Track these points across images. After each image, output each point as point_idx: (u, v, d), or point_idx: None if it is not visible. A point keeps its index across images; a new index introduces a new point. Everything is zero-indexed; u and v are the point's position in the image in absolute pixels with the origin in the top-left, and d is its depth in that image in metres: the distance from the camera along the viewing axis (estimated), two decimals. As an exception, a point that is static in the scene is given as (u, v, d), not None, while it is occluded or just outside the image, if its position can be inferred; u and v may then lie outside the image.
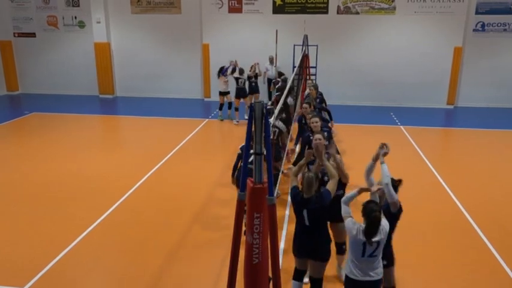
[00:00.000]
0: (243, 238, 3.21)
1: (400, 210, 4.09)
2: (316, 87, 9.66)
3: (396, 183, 4.13)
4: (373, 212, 3.64)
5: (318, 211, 4.10)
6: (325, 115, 8.82)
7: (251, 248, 3.13)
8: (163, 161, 9.55)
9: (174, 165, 9.39)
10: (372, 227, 3.66)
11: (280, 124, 7.86)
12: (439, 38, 15.28)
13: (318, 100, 9.23)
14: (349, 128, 12.40)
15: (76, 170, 8.94)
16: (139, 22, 16.71)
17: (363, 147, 10.04)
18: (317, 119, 6.47)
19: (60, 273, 5.35)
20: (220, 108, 13.33)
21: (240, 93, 13.04)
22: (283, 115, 8.42)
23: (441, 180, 8.38)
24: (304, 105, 7.84)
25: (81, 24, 17.15)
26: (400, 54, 15.55)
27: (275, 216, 3.07)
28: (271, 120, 6.53)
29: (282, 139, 8.02)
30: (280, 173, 7.13)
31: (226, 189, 7.89)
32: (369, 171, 4.35)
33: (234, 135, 12.15)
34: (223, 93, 13.25)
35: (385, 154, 4.27)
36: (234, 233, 3.18)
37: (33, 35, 17.45)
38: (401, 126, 12.76)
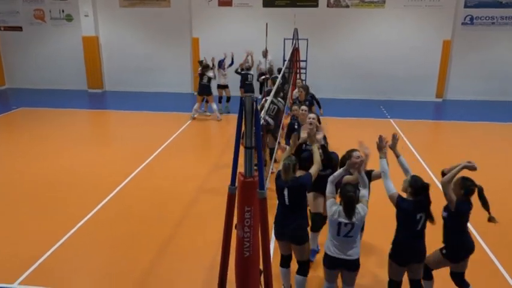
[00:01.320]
0: (234, 232, 3.22)
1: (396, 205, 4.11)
2: (306, 88, 9.15)
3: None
4: (348, 192, 3.93)
5: (298, 190, 4.32)
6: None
7: (242, 242, 3.14)
8: (154, 155, 9.51)
9: (164, 159, 9.36)
10: (347, 206, 3.93)
11: (277, 102, 8.16)
12: (428, 31, 15.38)
13: (307, 103, 8.55)
14: (339, 121, 12.45)
15: (66, 165, 8.86)
16: (128, 16, 16.55)
17: (352, 140, 10.09)
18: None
19: (50, 269, 5.31)
20: (220, 101, 13.38)
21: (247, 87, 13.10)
22: (282, 94, 8.84)
23: (431, 174, 8.44)
24: (295, 106, 7.58)
25: (69, 18, 16.93)
26: (389, 48, 15.62)
27: (266, 209, 3.08)
28: (270, 98, 7.13)
29: (279, 115, 8.37)
30: (276, 145, 7.56)
31: (217, 183, 7.90)
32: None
33: (223, 129, 12.14)
34: (222, 87, 13.25)
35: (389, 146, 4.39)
36: (225, 227, 3.19)
37: (19, 28, 17.20)
38: (391, 119, 12.85)
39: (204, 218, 6.64)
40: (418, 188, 4.00)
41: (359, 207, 3.99)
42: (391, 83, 15.97)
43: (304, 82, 12.85)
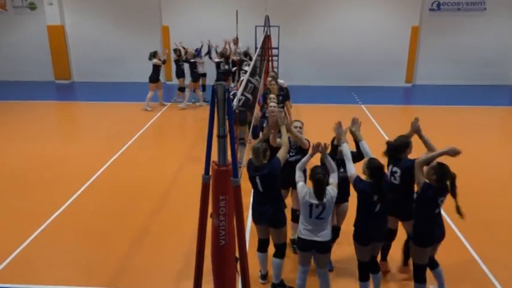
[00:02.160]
0: (210, 221, 3.22)
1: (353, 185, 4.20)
2: (275, 78, 8.50)
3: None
4: (317, 174, 4.04)
5: (269, 177, 4.36)
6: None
7: (217, 230, 3.15)
8: (126, 146, 9.37)
9: (137, 149, 9.24)
10: (316, 188, 4.04)
11: (253, 80, 8.45)
12: (397, 17, 15.61)
13: (280, 98, 8.11)
14: (311, 107, 12.55)
15: (37, 159, 8.63)
16: (95, 3, 16.09)
17: (324, 126, 10.18)
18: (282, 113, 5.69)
19: (22, 264, 5.19)
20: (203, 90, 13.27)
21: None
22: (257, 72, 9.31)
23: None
24: (271, 96, 7.37)
25: (32, 6, 16.32)
26: (359, 35, 15.78)
27: (240, 197, 3.10)
28: (246, 77, 7.53)
29: (254, 93, 8.57)
30: (253, 119, 7.72)
31: (191, 172, 7.86)
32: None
33: (196, 118, 12.04)
34: (200, 75, 13.11)
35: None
36: (200, 216, 3.19)
37: (-21, 18, 16.49)
38: (362, 105, 13.03)
39: (180, 207, 6.61)
40: (373, 168, 4.06)
41: (329, 188, 4.10)
42: (361, 69, 16.17)
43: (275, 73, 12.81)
